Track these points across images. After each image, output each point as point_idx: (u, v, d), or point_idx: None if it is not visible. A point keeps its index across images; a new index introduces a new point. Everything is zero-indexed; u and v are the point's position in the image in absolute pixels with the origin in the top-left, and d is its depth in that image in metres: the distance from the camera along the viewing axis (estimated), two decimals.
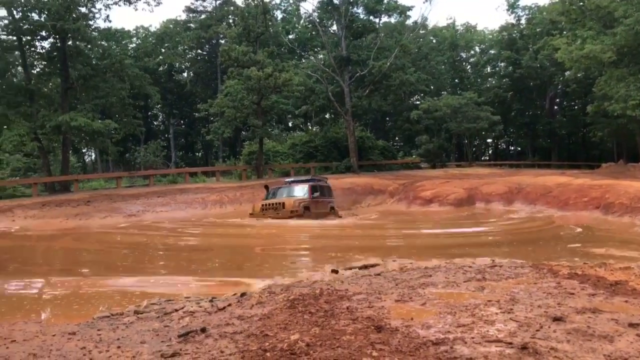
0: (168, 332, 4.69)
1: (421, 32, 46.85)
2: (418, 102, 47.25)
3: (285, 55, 41.98)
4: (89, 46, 28.21)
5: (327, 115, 45.14)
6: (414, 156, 43.71)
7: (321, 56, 42.11)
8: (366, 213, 22.12)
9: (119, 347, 4.34)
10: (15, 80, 27.85)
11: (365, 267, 7.91)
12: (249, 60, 30.45)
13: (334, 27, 38.26)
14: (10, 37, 26.16)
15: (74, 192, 25.72)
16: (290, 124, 50.74)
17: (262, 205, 19.02)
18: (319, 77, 35.65)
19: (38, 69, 29.51)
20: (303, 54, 45.96)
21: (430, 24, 53.88)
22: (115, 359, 4.03)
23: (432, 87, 50.16)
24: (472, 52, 55.22)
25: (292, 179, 21.51)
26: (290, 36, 46.08)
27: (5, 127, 29.62)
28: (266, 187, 21.36)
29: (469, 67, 55.01)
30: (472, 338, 3.91)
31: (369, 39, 37.21)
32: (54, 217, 20.00)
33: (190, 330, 4.56)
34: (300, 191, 19.24)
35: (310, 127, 49.29)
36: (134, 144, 44.98)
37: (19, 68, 28.25)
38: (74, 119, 24.40)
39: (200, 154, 55.27)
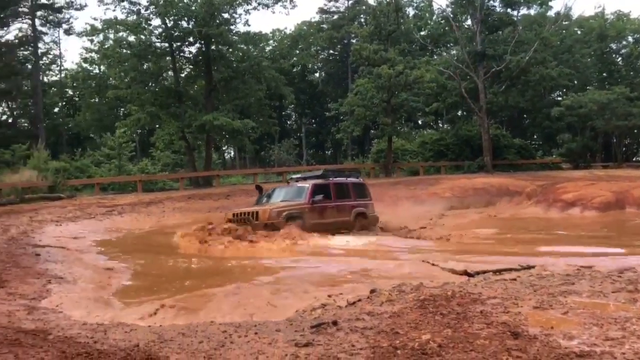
0: (301, 323, 4.87)
1: (564, 23, 43.58)
2: (560, 98, 44.06)
3: (416, 52, 41.40)
4: (230, 50, 30.07)
5: (460, 113, 43.77)
6: (554, 156, 40.85)
7: (454, 52, 40.92)
8: (480, 221, 18.45)
9: (256, 333, 4.59)
10: (166, 83, 30.51)
11: (499, 271, 7.57)
12: (380, 58, 30.50)
13: (469, 22, 36.98)
14: (164, 44, 28.76)
15: (215, 186, 27.57)
16: (420, 122, 49.96)
17: (233, 215, 13.56)
18: (451, 73, 34.70)
19: (186, 73, 32.11)
20: (435, 50, 44.99)
21: (575, 14, 49.96)
22: (253, 344, 4.27)
23: (575, 82, 46.43)
24: (624, 42, 50.24)
25: (298, 176, 16.23)
26: (422, 33, 45.29)
27: (157, 126, 32.58)
28: (258, 187, 16.11)
29: (619, 59, 50.08)
30: (623, 354, 3.57)
31: (505, 33, 35.45)
32: (198, 210, 21.58)
33: (322, 322, 4.69)
34: (298, 194, 13.99)
35: (441, 125, 48.19)
36: (269, 142, 47.15)
37: (170, 72, 30.92)
38: (216, 119, 26.19)
39: (329, 152, 56.44)
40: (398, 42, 35.22)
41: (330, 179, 14.75)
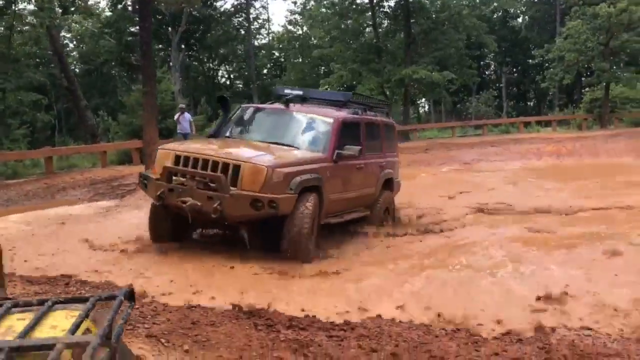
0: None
1: None
2: None
3: None
4: (429, 0, 29.51)
5: None
6: None
7: None
8: None
9: None
10: (365, 39, 31.22)
11: None
12: None
13: None
14: (364, 0, 29.42)
15: (413, 140, 27.82)
16: None
17: (176, 159, 6.00)
18: None
19: (384, 27, 32.44)
20: None
21: None
22: None
23: None
24: None
25: (297, 92, 7.79)
26: None
27: (358, 83, 33.66)
28: (221, 99, 8.05)
29: None
30: None
31: None
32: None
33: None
34: (308, 134, 7.01)
35: None
36: (466, 95, 45.67)
37: (368, 29, 31.53)
38: (415, 72, 26.22)
39: (532, 103, 52.73)
40: None
41: (359, 112, 7.71)
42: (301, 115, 7.18)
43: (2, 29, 17.00)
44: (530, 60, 42.48)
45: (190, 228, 6.75)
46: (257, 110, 7.77)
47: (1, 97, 17.90)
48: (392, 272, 5.44)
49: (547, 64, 36.62)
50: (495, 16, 45.69)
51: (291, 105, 7.29)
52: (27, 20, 17.93)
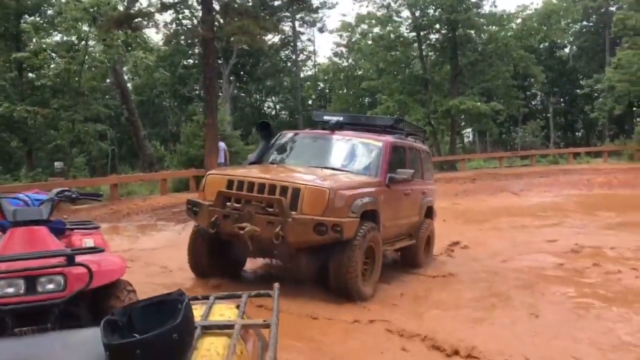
0: None
1: None
2: None
3: None
4: (477, 33, 29.89)
5: None
6: None
7: None
8: None
9: None
10: (411, 71, 31.74)
11: None
12: None
13: None
14: (411, 33, 30.02)
15: (460, 170, 27.83)
16: None
17: (229, 183, 5.79)
18: None
19: (431, 59, 32.92)
20: None
21: None
22: None
23: None
24: None
25: (337, 119, 7.65)
26: None
27: (404, 114, 34.11)
28: (263, 126, 7.69)
29: None
30: None
31: None
32: (445, 193, 22.04)
33: None
34: (358, 158, 6.87)
35: None
36: (512, 125, 45.31)
37: (414, 60, 32.04)
38: (462, 103, 26.47)
39: (580, 133, 51.79)
40: None
41: (404, 137, 7.70)
42: (347, 140, 7.05)
43: (74, 66, 18.22)
44: (578, 90, 42.06)
45: (235, 262, 6.54)
46: (300, 135, 7.61)
47: (70, 129, 19.11)
48: None
49: (596, 94, 36.20)
50: (542, 46, 45.49)
51: (333, 130, 7.23)
52: (96, 57, 19.23)
